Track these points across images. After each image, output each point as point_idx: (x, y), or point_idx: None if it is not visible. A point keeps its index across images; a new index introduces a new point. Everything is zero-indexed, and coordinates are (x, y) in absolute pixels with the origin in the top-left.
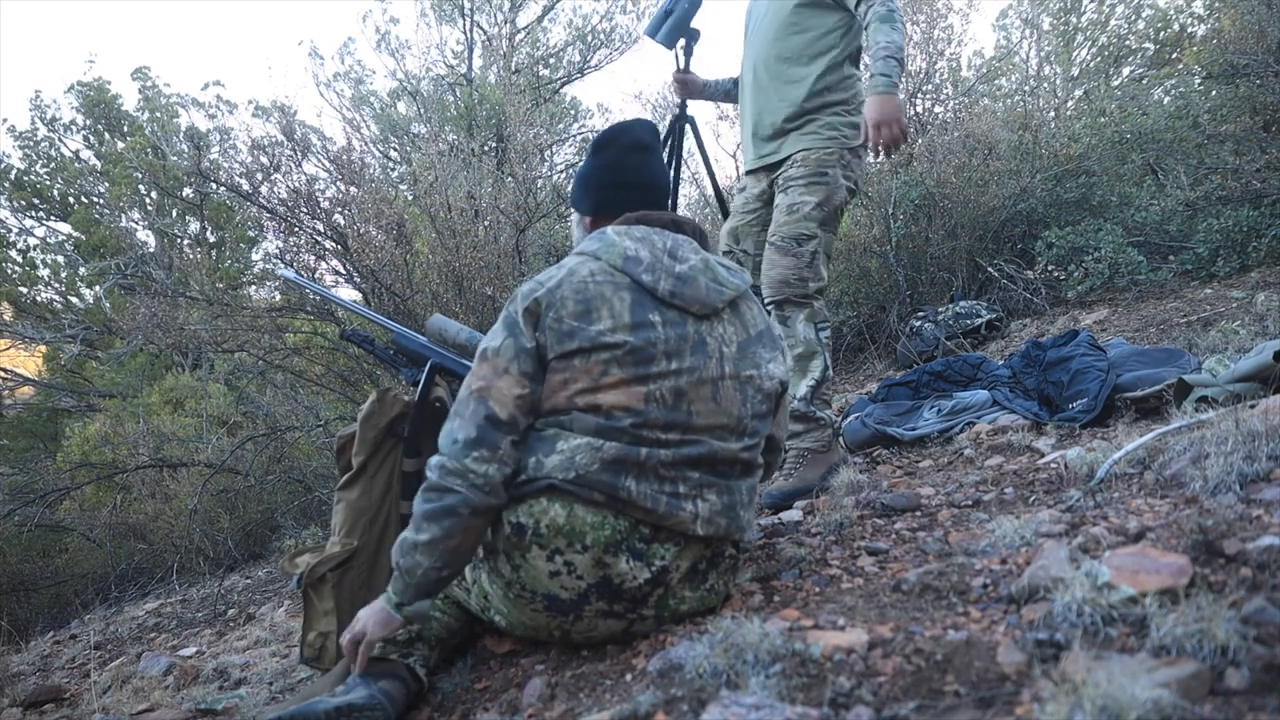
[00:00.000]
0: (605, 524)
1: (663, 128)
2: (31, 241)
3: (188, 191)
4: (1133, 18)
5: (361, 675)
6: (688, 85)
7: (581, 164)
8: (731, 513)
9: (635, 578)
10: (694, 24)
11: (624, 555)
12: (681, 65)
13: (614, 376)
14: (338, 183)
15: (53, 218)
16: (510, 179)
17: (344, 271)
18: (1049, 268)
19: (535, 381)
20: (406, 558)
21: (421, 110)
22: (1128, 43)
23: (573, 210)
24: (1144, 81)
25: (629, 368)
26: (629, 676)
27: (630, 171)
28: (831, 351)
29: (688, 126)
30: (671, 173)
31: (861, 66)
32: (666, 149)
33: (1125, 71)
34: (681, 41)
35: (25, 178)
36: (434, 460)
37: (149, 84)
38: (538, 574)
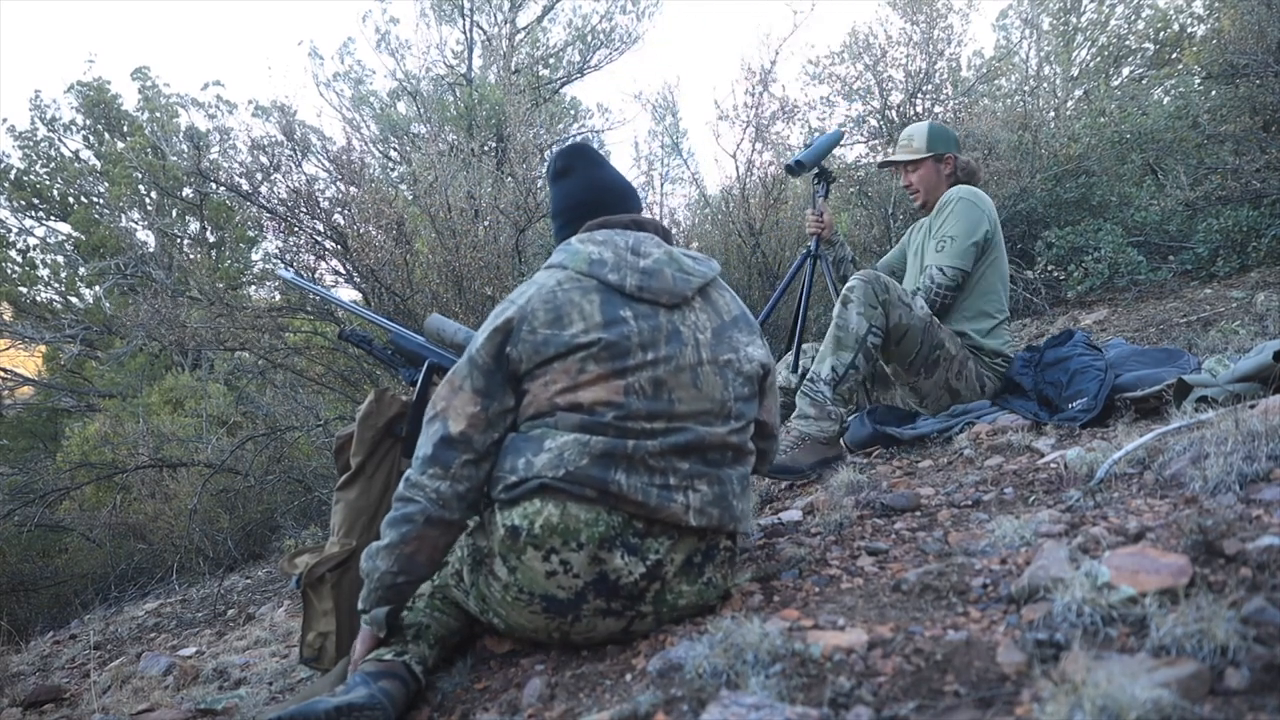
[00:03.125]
0: (599, 520)
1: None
2: (31, 241)
3: (188, 191)
4: (1133, 18)
5: (361, 675)
6: (823, 221)
7: (550, 200)
8: (724, 502)
9: (631, 572)
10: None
11: (619, 550)
12: (818, 200)
13: (591, 373)
14: (338, 183)
15: (53, 218)
16: (510, 179)
17: (344, 271)
18: (1049, 268)
19: (490, 397)
20: (369, 561)
21: (421, 110)
22: (1128, 43)
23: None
24: (1144, 81)
25: (605, 363)
26: (629, 676)
27: (592, 189)
28: (870, 361)
29: (819, 264)
30: (801, 309)
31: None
32: (802, 290)
33: (1125, 71)
34: (816, 172)
35: (25, 178)
36: (406, 473)
37: (149, 84)
38: (535, 575)
